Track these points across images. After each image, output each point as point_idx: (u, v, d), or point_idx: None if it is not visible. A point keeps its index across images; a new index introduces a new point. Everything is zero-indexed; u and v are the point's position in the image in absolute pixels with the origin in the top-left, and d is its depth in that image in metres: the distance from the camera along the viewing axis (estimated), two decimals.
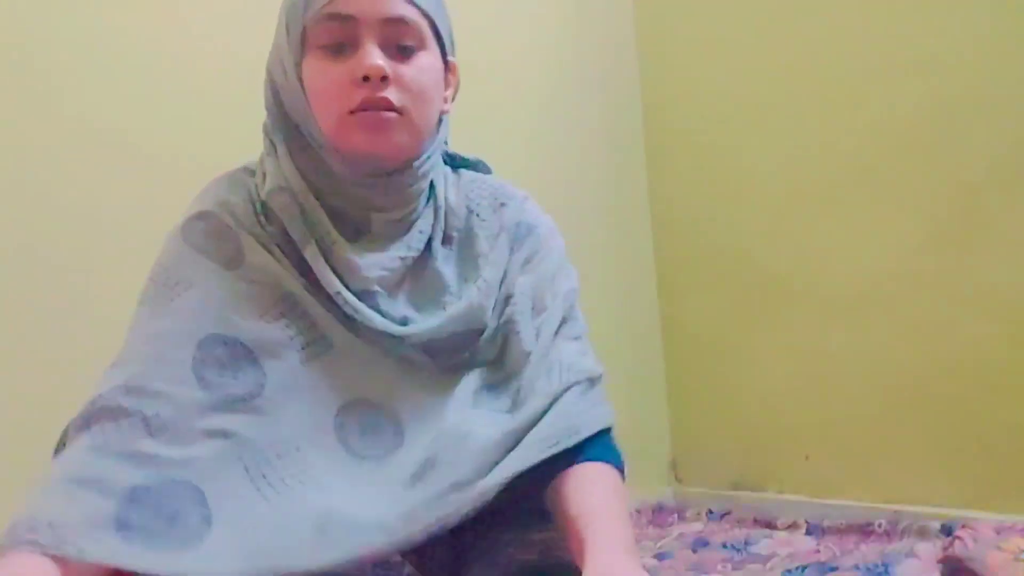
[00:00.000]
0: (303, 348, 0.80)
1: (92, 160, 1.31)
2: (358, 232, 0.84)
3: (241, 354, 0.78)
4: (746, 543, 1.73)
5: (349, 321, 0.82)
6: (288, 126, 0.85)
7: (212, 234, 0.82)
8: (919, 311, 1.67)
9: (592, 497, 0.77)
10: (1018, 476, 1.55)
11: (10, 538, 0.64)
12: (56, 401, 1.25)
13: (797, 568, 1.54)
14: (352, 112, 0.79)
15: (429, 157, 0.86)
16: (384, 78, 0.79)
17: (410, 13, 0.81)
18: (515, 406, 0.83)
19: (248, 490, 0.73)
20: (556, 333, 0.87)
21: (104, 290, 1.31)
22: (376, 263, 0.82)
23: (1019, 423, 1.55)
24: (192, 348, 0.76)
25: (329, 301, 0.81)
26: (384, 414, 0.82)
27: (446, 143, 0.93)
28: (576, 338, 0.89)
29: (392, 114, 0.80)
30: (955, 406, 1.63)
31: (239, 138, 1.46)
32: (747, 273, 1.96)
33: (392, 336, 0.82)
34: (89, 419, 0.74)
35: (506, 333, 0.86)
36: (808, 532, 1.74)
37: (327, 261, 0.81)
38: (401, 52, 0.81)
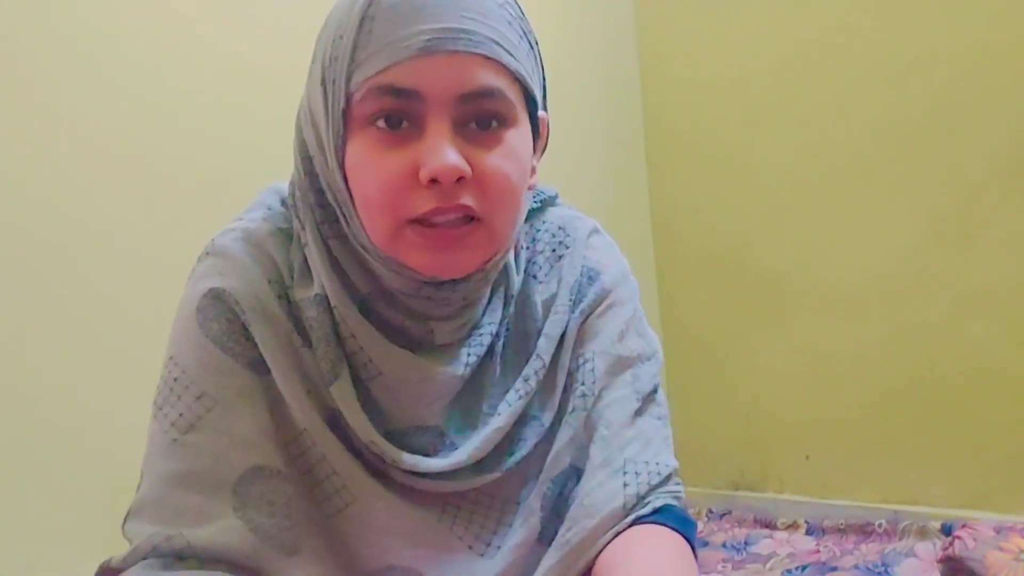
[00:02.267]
0: (321, 502, 0.66)
1: (92, 160, 1.31)
2: (416, 346, 0.67)
3: (283, 487, 0.64)
4: (746, 543, 1.73)
5: (377, 460, 0.66)
6: (325, 211, 0.66)
7: (233, 326, 0.65)
8: (919, 311, 1.67)
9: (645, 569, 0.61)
10: (1018, 476, 1.54)
11: None
12: (56, 401, 1.26)
13: (797, 568, 1.54)
14: (412, 220, 0.60)
15: (504, 254, 0.68)
16: (460, 178, 0.59)
17: (498, 82, 0.60)
18: (567, 525, 0.68)
19: None
20: (629, 414, 0.70)
21: (104, 290, 1.31)
22: (437, 389, 0.67)
23: (1019, 423, 1.55)
24: (229, 493, 0.62)
25: (357, 439, 0.66)
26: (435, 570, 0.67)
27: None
28: (658, 418, 0.72)
29: (467, 227, 0.61)
30: (955, 406, 1.62)
31: (239, 138, 1.47)
32: (747, 273, 1.96)
33: (422, 473, 0.66)
34: (130, 564, 0.62)
35: (561, 429, 0.70)
36: (808, 532, 1.73)
37: (369, 395, 0.66)
38: (482, 131, 0.61)
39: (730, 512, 1.90)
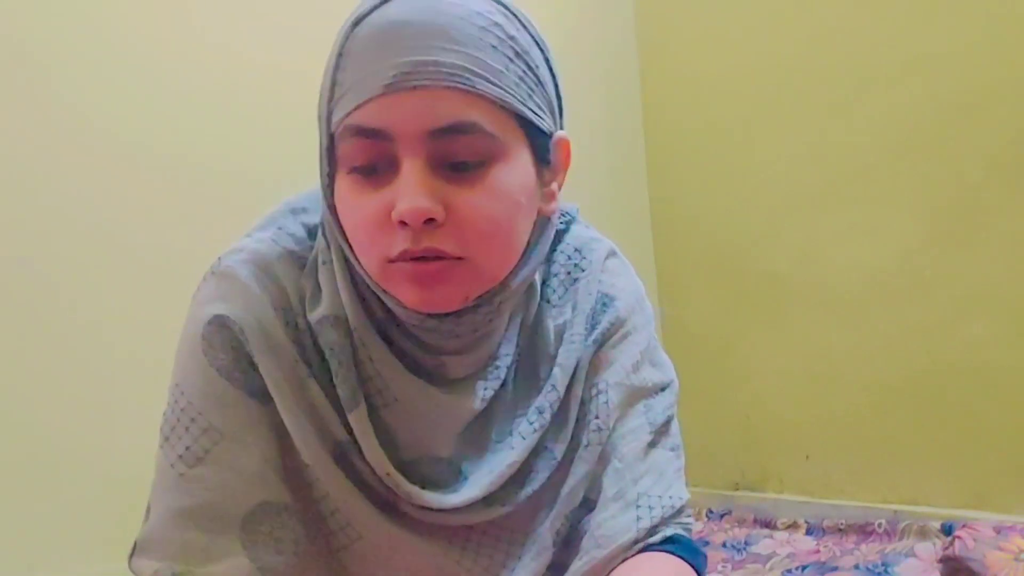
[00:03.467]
0: (329, 536, 0.65)
1: (92, 161, 1.31)
2: (432, 378, 0.65)
3: (290, 523, 0.63)
4: (746, 543, 1.73)
5: (387, 493, 0.65)
6: (340, 241, 0.64)
7: (239, 355, 0.63)
8: (919, 310, 1.67)
9: None
10: (1018, 476, 1.54)
11: None
12: (56, 401, 1.26)
13: (797, 568, 1.54)
14: (392, 260, 0.59)
15: (516, 284, 0.64)
16: (430, 220, 0.56)
17: (474, 115, 0.56)
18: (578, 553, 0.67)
19: None
20: (643, 446, 0.69)
21: (103, 290, 1.31)
22: (451, 423, 0.65)
23: (1019, 423, 1.55)
24: (237, 530, 0.61)
25: (367, 471, 0.64)
26: None
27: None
28: (671, 449, 0.72)
29: (441, 263, 0.58)
30: (955, 406, 1.62)
31: (240, 140, 1.47)
32: (747, 272, 1.96)
33: (441, 512, 0.65)
34: None
35: (576, 464, 0.69)
36: (808, 532, 1.73)
37: (381, 423, 0.64)
38: (461, 169, 0.57)
39: (730, 512, 1.90)
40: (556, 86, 0.64)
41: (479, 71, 0.57)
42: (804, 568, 1.53)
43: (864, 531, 1.66)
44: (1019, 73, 1.52)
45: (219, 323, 0.63)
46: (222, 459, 0.61)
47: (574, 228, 0.75)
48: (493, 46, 0.57)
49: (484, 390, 0.66)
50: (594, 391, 0.70)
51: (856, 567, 1.50)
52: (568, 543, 0.68)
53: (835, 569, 1.51)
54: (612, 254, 0.76)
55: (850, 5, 1.76)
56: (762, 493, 1.93)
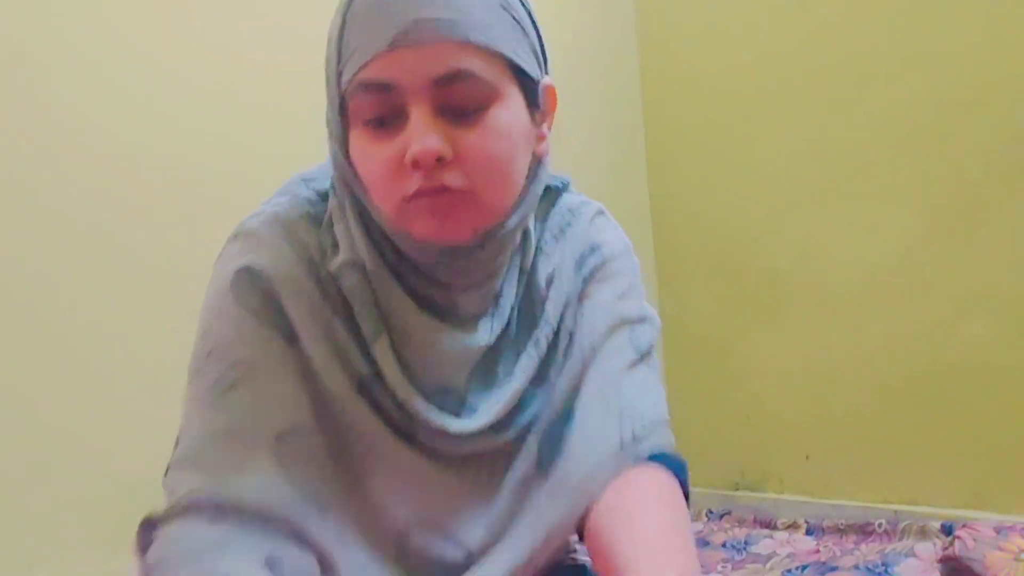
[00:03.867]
0: (351, 463, 0.69)
1: (92, 160, 1.31)
2: (444, 315, 0.71)
3: (316, 447, 0.67)
4: (746, 543, 1.73)
5: (406, 422, 0.70)
6: (356, 192, 0.70)
7: (267, 299, 0.67)
8: (919, 309, 1.67)
9: (640, 527, 0.65)
10: (1018, 476, 1.54)
11: None
12: (56, 401, 1.26)
13: (797, 568, 1.54)
14: (408, 199, 0.65)
15: (515, 222, 0.71)
16: (439, 159, 0.63)
17: (470, 63, 0.63)
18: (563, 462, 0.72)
19: None
20: (627, 363, 0.75)
21: (103, 289, 1.31)
22: (462, 356, 0.71)
23: (1019, 423, 1.55)
24: (269, 449, 0.64)
25: (388, 401, 0.69)
26: (447, 539, 0.70)
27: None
28: (654, 372, 0.77)
29: (452, 195, 0.64)
30: (955, 406, 1.63)
31: (239, 138, 1.47)
32: (747, 270, 1.96)
33: (450, 435, 0.70)
34: (172, 517, 0.63)
35: (561, 377, 0.74)
36: (808, 532, 1.73)
37: (401, 356, 0.69)
38: (464, 113, 0.64)
39: (730, 512, 1.90)
40: (539, 36, 0.71)
41: (472, 25, 0.63)
42: (804, 568, 1.53)
43: (864, 531, 1.66)
44: (1019, 71, 1.52)
45: (247, 272, 0.68)
46: (252, 386, 0.66)
47: (566, 196, 0.82)
48: (482, 2, 0.65)
49: (491, 327, 0.72)
50: (580, 316, 0.76)
51: (856, 567, 1.50)
52: (552, 446, 0.73)
53: (835, 569, 1.51)
54: (600, 213, 0.82)
55: (850, 2, 1.76)
56: (762, 493, 1.93)
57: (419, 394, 0.69)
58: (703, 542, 1.76)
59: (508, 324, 0.74)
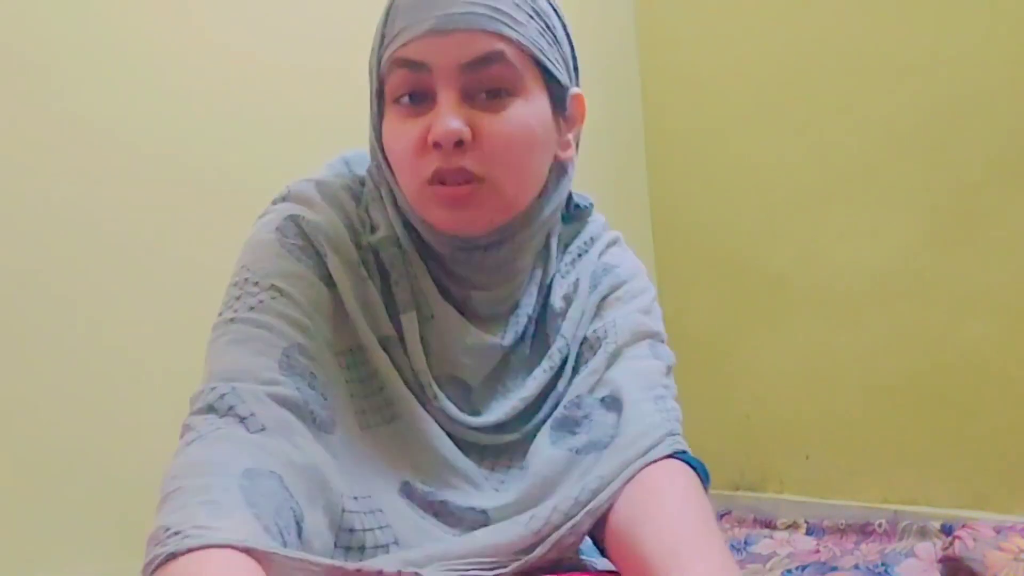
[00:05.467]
0: (363, 412, 0.70)
1: (92, 160, 1.31)
2: (460, 309, 0.73)
3: (324, 368, 0.68)
4: (746, 543, 1.73)
5: (419, 391, 0.71)
6: (387, 176, 0.73)
7: (309, 245, 0.70)
8: (919, 310, 1.67)
9: (664, 526, 0.62)
10: (1018, 476, 1.55)
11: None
12: (57, 401, 1.26)
13: (797, 568, 1.54)
14: (429, 183, 0.68)
15: (534, 223, 0.72)
16: (460, 142, 0.66)
17: (500, 51, 0.67)
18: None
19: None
20: (652, 369, 0.74)
21: (103, 290, 1.31)
22: (480, 353, 0.72)
23: (1019, 423, 1.55)
24: (276, 360, 0.65)
25: (406, 367, 0.71)
26: (455, 495, 0.70)
27: (569, 196, 0.80)
28: (671, 384, 0.76)
29: (469, 186, 0.67)
30: (955, 406, 1.63)
31: (240, 138, 1.47)
32: (747, 273, 1.96)
33: (459, 424, 0.71)
34: (207, 409, 0.63)
35: (582, 370, 0.75)
36: (808, 532, 1.74)
37: (421, 333, 0.71)
38: (489, 99, 0.68)
39: (730, 512, 1.90)
40: (572, 49, 0.76)
41: (505, 20, 0.68)
42: (804, 568, 1.53)
43: (864, 531, 1.66)
44: (1019, 73, 1.52)
45: (293, 220, 0.70)
46: (274, 307, 0.67)
47: (590, 225, 0.83)
48: (516, 4, 0.69)
49: (505, 331, 0.74)
50: (601, 325, 0.76)
51: (856, 567, 1.50)
52: (570, 416, 0.73)
53: (835, 569, 1.51)
54: (615, 242, 0.83)
55: (851, 5, 1.76)
56: (762, 493, 1.93)
57: (432, 375, 0.71)
58: None
59: (523, 335, 0.76)
